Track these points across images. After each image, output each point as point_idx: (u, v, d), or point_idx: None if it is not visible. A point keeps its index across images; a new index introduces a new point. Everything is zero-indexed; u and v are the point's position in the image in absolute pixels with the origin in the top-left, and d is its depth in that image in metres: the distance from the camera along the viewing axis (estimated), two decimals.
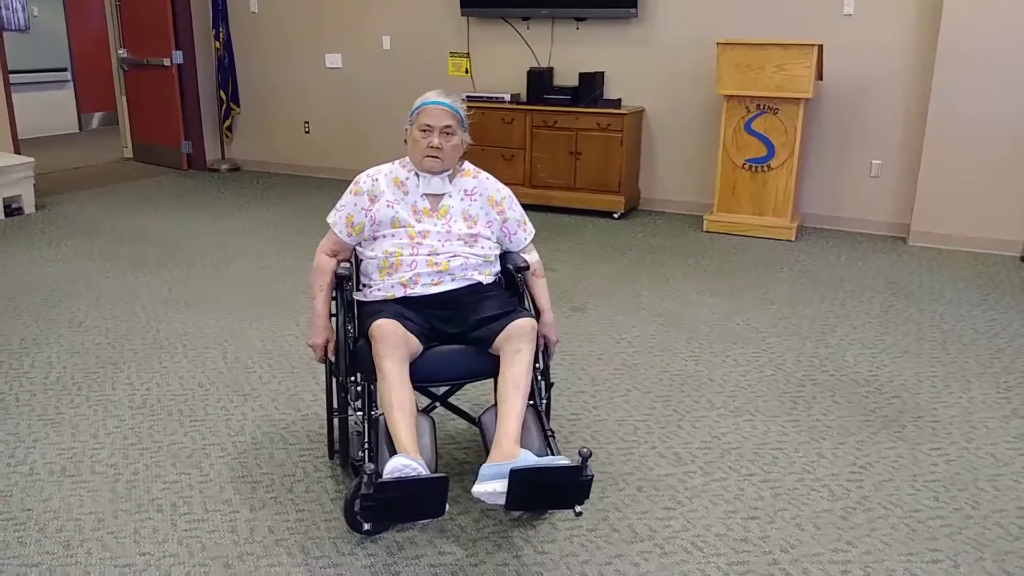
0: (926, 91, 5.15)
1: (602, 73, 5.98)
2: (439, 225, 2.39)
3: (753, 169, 5.34)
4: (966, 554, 2.17)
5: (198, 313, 3.90)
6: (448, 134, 2.38)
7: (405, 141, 2.47)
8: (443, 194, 2.43)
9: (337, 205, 2.47)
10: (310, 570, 2.07)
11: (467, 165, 2.52)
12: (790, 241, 5.29)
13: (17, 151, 6.12)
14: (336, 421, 2.48)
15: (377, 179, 2.44)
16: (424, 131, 2.37)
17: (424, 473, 1.92)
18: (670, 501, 2.39)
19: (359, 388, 2.26)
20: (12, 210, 5.73)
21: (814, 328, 3.78)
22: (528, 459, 1.98)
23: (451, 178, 2.45)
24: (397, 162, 2.49)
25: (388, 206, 2.39)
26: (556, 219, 5.79)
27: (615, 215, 5.88)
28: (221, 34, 7.21)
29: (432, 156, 2.37)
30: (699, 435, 2.78)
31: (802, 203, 5.68)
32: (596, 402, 3.03)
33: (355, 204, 2.42)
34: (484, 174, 2.53)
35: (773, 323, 3.84)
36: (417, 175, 2.43)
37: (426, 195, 2.42)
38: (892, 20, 5.21)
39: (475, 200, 2.45)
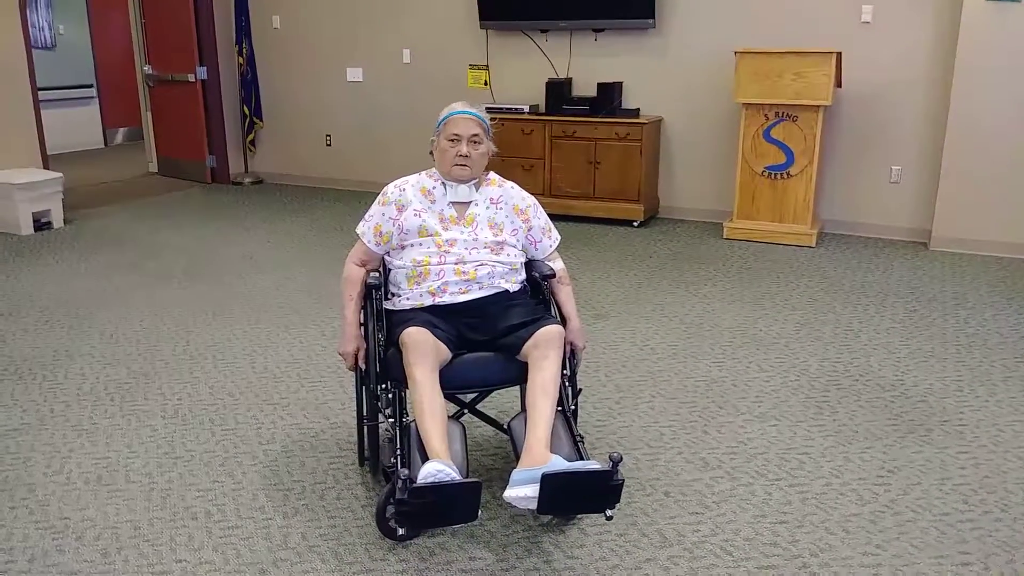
0: (945, 96, 5.14)
1: (620, 83, 6.01)
2: (466, 233, 2.43)
3: (772, 176, 5.35)
4: (996, 556, 2.17)
5: (226, 324, 3.96)
6: (476, 143, 2.43)
7: (431, 152, 2.51)
8: (469, 202, 2.47)
9: (365, 216, 2.52)
10: None
11: (492, 175, 2.56)
12: (810, 247, 5.29)
13: (46, 166, 6.23)
14: (366, 428, 2.52)
15: (404, 189, 2.48)
16: (452, 140, 2.42)
17: (457, 478, 1.95)
18: (698, 506, 2.40)
19: (390, 396, 2.30)
20: (42, 224, 5.83)
21: (837, 333, 3.78)
22: (559, 464, 2.00)
23: (477, 187, 2.49)
24: (424, 173, 2.54)
25: (416, 215, 2.43)
26: (576, 228, 5.81)
27: (635, 223, 5.90)
28: (244, 50, 7.31)
29: (461, 165, 2.42)
30: (725, 440, 2.80)
31: (822, 209, 5.67)
32: (621, 408, 3.05)
33: (383, 214, 2.47)
34: (509, 183, 2.57)
35: (796, 329, 3.84)
36: (444, 184, 2.47)
37: (453, 203, 2.46)
38: (910, 28, 5.21)
39: (501, 208, 2.49)
